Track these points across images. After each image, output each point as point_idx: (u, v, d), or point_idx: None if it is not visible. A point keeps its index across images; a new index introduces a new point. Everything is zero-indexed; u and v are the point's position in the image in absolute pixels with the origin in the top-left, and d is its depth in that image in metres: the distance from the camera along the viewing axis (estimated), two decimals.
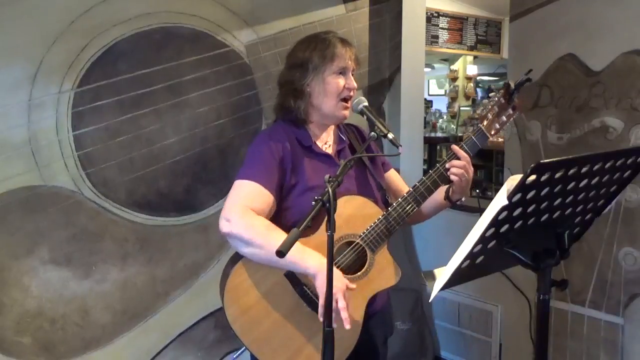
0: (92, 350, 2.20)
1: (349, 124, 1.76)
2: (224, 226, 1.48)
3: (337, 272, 1.45)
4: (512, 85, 1.54)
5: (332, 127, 1.69)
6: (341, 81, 1.57)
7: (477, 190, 1.68)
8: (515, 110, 1.58)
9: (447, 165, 1.54)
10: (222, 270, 1.58)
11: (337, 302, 1.41)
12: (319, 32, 1.65)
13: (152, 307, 2.32)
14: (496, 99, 1.57)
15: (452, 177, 1.53)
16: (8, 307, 2.03)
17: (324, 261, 1.39)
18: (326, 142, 1.66)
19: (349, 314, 1.44)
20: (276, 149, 1.55)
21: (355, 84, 1.60)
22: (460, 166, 1.52)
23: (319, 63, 1.56)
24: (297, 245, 1.29)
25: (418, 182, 1.56)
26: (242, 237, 1.46)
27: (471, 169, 1.55)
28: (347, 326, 1.40)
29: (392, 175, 1.81)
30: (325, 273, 1.22)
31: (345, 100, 1.59)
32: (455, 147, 1.55)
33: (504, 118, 1.58)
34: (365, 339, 1.59)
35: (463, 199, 1.62)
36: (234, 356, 1.56)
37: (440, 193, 1.62)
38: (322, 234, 1.46)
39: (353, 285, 1.47)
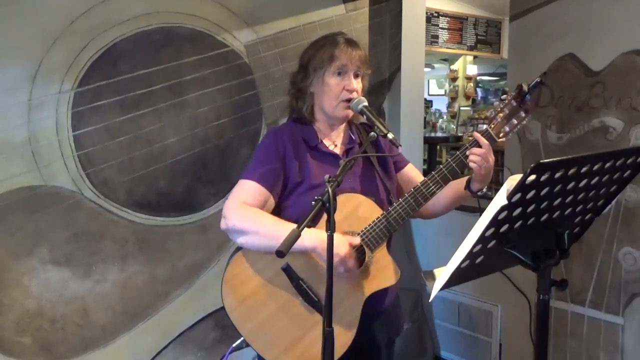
0: (92, 350, 2.19)
1: (364, 123, 1.74)
2: (223, 223, 1.54)
3: (338, 236, 1.45)
4: (525, 88, 1.50)
5: (343, 126, 1.69)
6: (340, 82, 1.57)
7: None
8: (527, 114, 1.54)
9: (467, 152, 1.52)
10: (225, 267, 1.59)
11: (344, 266, 1.46)
12: (329, 33, 1.66)
13: (152, 307, 2.31)
14: (507, 101, 1.54)
15: (472, 165, 1.51)
16: (8, 307, 2.03)
17: (319, 235, 1.43)
18: (334, 141, 1.67)
19: (344, 312, 1.46)
20: (280, 148, 1.58)
21: (354, 86, 1.58)
22: (480, 154, 1.50)
23: (318, 64, 1.57)
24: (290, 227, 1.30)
25: (420, 183, 1.55)
26: (237, 227, 1.50)
27: (492, 157, 1.53)
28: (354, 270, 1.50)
29: (408, 171, 1.78)
30: (323, 244, 1.26)
31: (347, 101, 1.58)
32: (477, 134, 1.53)
33: (514, 121, 1.54)
34: (367, 339, 1.59)
35: (484, 189, 1.59)
36: (233, 346, 1.57)
37: (460, 184, 1.61)
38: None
39: (357, 240, 1.49)
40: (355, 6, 2.81)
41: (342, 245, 1.45)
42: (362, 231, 1.53)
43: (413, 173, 1.78)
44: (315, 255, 1.49)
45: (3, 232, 2.01)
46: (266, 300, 1.51)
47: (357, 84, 1.59)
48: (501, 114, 1.54)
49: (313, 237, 1.45)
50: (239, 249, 1.56)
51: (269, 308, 1.51)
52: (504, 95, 1.58)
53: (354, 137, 1.69)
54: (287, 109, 1.71)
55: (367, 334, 1.59)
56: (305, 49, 1.65)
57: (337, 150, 1.65)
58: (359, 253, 1.53)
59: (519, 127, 1.55)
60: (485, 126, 1.57)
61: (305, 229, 1.44)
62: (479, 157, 1.51)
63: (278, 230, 1.43)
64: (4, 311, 2.02)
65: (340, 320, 1.50)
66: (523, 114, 1.54)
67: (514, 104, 1.53)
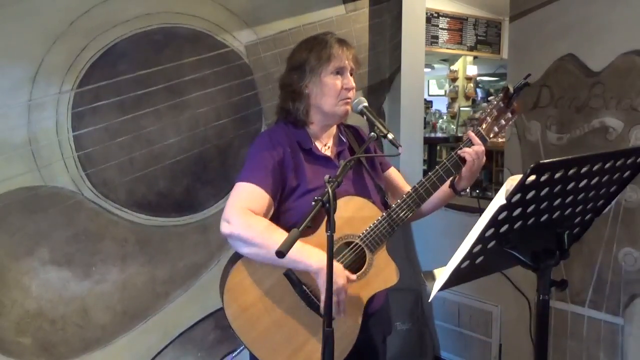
0: (92, 351, 2.20)
1: (349, 125, 1.76)
2: (225, 227, 1.49)
3: (338, 266, 1.46)
4: (511, 90, 1.56)
5: (334, 128, 1.69)
6: (338, 81, 1.57)
7: (477, 191, 1.68)
8: (514, 114, 1.60)
9: (464, 148, 1.56)
10: (222, 270, 1.59)
11: (338, 297, 1.43)
12: (317, 34, 1.66)
13: (152, 308, 2.32)
14: (495, 102, 1.60)
15: (467, 157, 1.55)
16: (8, 308, 2.03)
17: (325, 258, 1.40)
18: (326, 144, 1.66)
19: (347, 313, 1.44)
20: (276, 151, 1.56)
21: (352, 84, 1.59)
22: (477, 150, 1.55)
23: (315, 64, 1.57)
24: (298, 243, 1.30)
25: (418, 184, 1.55)
26: (242, 237, 1.47)
27: (484, 156, 1.57)
28: (341, 316, 1.46)
29: (391, 174, 1.80)
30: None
31: (346, 99, 1.59)
32: (470, 133, 1.58)
33: (503, 122, 1.60)
34: (365, 338, 1.59)
35: (468, 189, 1.62)
36: (233, 355, 1.56)
37: (444, 184, 1.62)
38: (321, 233, 1.45)
39: (354, 276, 1.49)
40: (356, 6, 2.82)
41: (341, 277, 1.45)
42: (363, 233, 1.53)
43: (395, 175, 1.80)
44: (315, 278, 1.47)
45: (3, 233, 2.01)
46: (268, 309, 1.50)
47: (353, 82, 1.60)
48: (490, 116, 1.60)
49: (319, 262, 1.43)
50: (237, 254, 1.54)
51: (272, 316, 1.50)
52: (491, 97, 1.62)
53: (343, 139, 1.69)
54: (278, 112, 1.67)
55: (365, 333, 1.59)
56: (296, 50, 1.64)
57: (329, 153, 1.65)
58: (360, 255, 1.53)
59: (507, 127, 1.62)
60: (476, 126, 1.61)
61: (315, 251, 1.44)
62: (475, 152, 1.55)
63: None
64: (4, 311, 2.02)
65: (343, 323, 1.50)
66: (510, 115, 1.60)
67: (501, 105, 1.59)
